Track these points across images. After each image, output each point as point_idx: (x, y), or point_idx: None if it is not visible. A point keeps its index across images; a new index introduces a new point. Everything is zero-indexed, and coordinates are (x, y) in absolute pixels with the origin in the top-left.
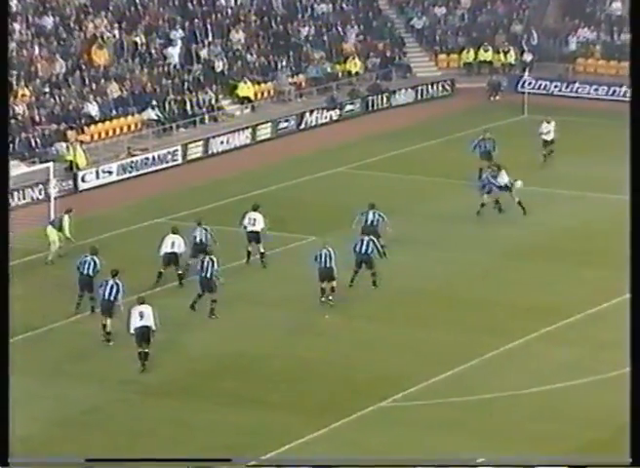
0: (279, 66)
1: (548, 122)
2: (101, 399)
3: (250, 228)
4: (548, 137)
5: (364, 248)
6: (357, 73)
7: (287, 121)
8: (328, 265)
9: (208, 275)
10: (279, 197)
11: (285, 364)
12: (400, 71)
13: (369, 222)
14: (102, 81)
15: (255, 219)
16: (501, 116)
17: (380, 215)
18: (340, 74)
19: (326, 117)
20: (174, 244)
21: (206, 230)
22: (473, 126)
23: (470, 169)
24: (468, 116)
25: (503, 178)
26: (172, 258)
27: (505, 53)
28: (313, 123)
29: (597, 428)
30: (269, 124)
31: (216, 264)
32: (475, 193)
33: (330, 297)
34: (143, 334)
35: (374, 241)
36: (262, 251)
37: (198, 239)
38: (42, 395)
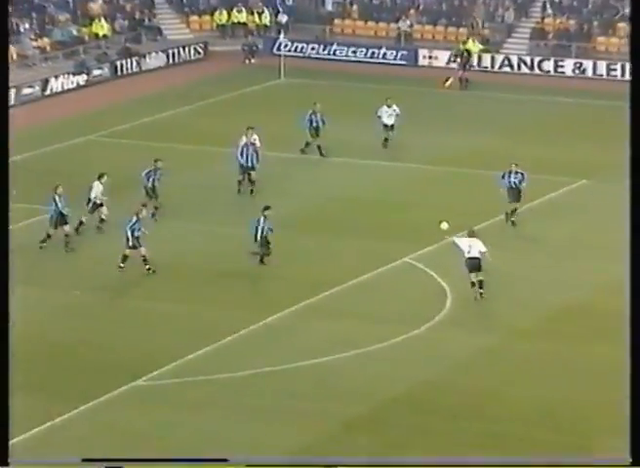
0: (22, 29)
1: (389, 106)
2: None
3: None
4: (389, 122)
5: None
6: (105, 36)
7: (31, 87)
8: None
9: None
10: (25, 168)
11: (39, 347)
12: (150, 34)
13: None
14: None
15: (91, 187)
16: (257, 80)
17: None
18: (87, 37)
19: (73, 82)
20: None
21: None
22: (228, 90)
23: (226, 136)
24: (223, 80)
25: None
26: None
27: (260, 14)
28: (59, 89)
29: (360, 404)
30: (12, 90)
31: None
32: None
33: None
34: None
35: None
36: (102, 218)
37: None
38: None
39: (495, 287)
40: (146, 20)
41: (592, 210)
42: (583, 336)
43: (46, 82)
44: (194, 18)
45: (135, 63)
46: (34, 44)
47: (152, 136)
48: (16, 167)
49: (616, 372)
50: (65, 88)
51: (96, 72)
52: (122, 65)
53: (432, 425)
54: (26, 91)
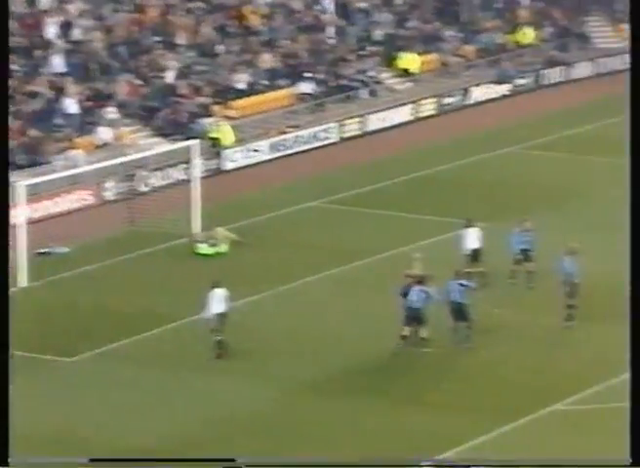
0: (446, 35)
1: None
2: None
3: None
4: None
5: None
6: (530, 44)
7: (452, 96)
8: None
9: None
10: (442, 179)
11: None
12: (578, 42)
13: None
14: (254, 50)
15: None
16: None
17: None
18: (511, 45)
19: (495, 92)
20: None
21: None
22: None
23: None
24: None
25: None
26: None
27: None
28: (481, 98)
29: None
30: (434, 99)
31: None
32: None
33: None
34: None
35: None
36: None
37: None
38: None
39: None
40: (575, 28)
41: None
42: None
43: (468, 91)
44: (625, 25)
45: (560, 73)
46: (458, 51)
47: (574, 149)
48: (432, 178)
49: None
50: (487, 97)
51: (519, 82)
52: (546, 75)
53: None
54: (448, 100)
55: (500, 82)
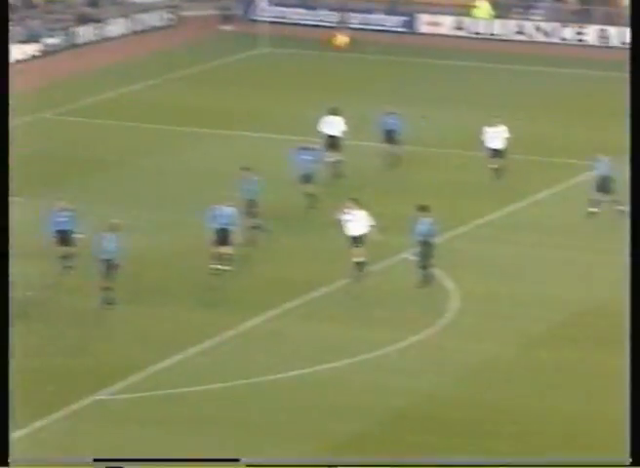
0: None
1: (493, 126)
2: None
3: None
4: (497, 145)
5: None
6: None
7: None
8: None
9: None
10: None
11: None
12: None
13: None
14: None
15: None
16: (234, 49)
17: None
18: (38, 1)
19: (22, 53)
20: None
21: None
22: (201, 61)
23: (198, 114)
24: (195, 50)
25: None
26: None
27: None
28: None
29: (354, 420)
30: None
31: None
32: None
33: None
34: None
35: None
36: None
37: None
38: None
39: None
40: None
41: None
42: (597, 341)
43: None
44: None
45: (93, 31)
46: None
47: (113, 115)
48: None
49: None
50: (14, 59)
51: (48, 41)
52: (79, 33)
53: (435, 444)
54: None
55: (28, 41)
